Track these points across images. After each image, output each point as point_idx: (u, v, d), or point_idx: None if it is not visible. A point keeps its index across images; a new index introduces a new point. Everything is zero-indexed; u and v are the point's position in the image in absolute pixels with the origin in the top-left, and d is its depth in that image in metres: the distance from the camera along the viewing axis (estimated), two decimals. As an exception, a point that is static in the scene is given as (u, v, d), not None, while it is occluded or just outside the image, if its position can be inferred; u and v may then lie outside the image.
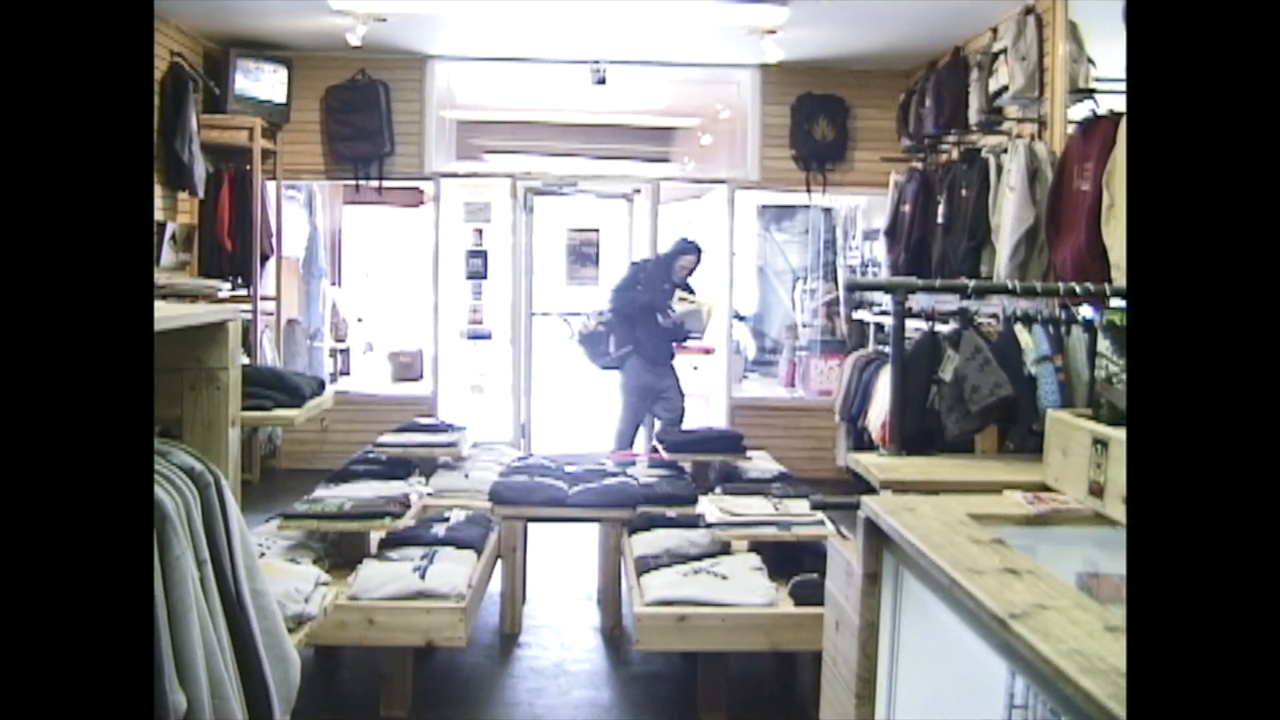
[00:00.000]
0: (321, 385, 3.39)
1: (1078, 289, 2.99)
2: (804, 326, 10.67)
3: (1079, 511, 2.51)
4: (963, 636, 2.05)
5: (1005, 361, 2.95)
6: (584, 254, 9.79)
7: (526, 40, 8.58)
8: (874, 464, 2.89)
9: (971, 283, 3.11)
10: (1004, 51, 6.75)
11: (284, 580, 3.57)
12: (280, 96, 8.94)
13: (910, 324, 3.25)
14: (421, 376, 10.14)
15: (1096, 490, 2.44)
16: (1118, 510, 2.36)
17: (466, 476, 6.42)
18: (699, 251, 8.01)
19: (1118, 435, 2.37)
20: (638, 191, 9.48)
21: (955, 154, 7.63)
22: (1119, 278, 5.06)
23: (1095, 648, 1.61)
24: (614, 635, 5.60)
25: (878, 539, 2.59)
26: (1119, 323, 2.60)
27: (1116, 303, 3.01)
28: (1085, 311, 3.24)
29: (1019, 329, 3.02)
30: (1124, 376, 2.57)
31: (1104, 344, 2.65)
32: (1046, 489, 2.70)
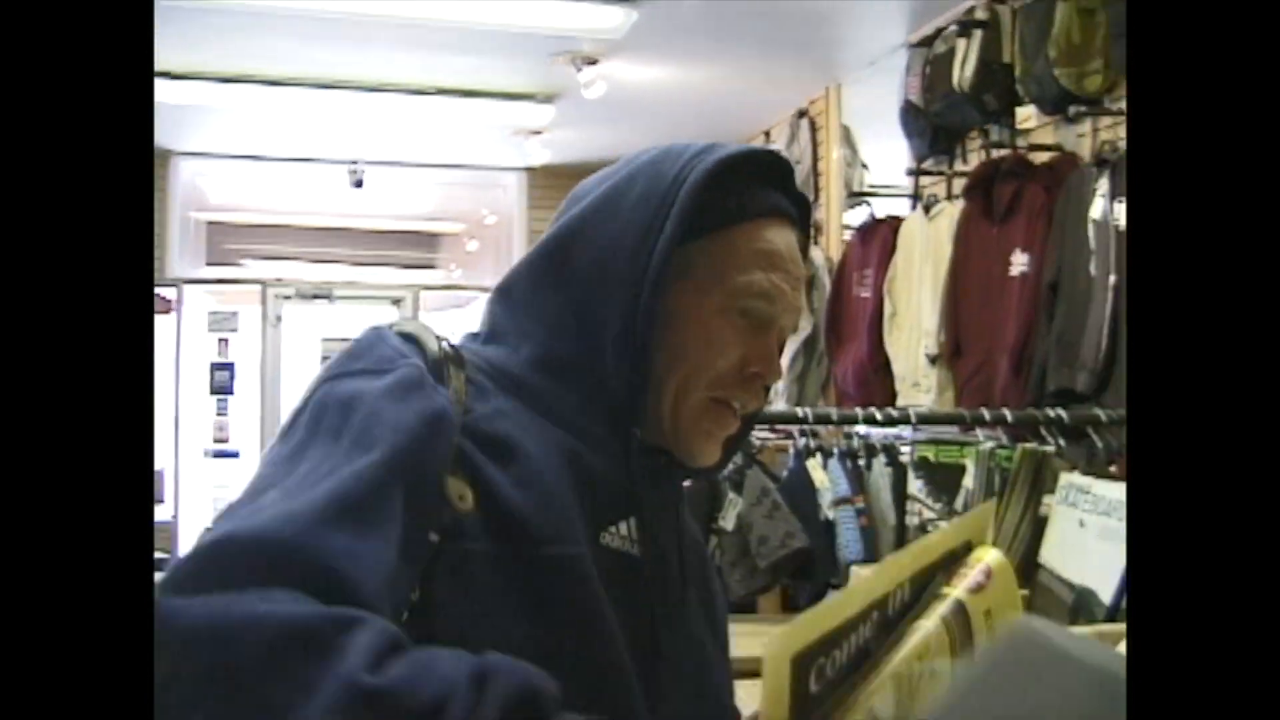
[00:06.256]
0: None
1: (879, 415, 2.58)
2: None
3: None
4: None
5: (797, 505, 2.51)
6: (342, 366, 9.14)
7: (279, 138, 8.00)
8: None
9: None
10: (777, 155, 6.53)
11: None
12: None
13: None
14: (162, 499, 9.29)
15: (916, 670, 1.98)
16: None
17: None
18: None
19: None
20: (400, 301, 8.93)
21: (730, 260, 7.35)
22: (903, 390, 4.77)
23: None
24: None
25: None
26: (933, 459, 2.18)
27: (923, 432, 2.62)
28: (858, 429, 2.83)
29: (812, 465, 2.59)
30: (941, 524, 2.14)
31: (916, 485, 2.23)
32: (852, 663, 2.23)
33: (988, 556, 0.99)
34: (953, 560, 0.99)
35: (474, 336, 1.20)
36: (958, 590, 0.95)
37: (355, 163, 8.55)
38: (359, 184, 8.64)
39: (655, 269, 1.09)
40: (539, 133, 7.44)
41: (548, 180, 8.71)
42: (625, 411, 1.11)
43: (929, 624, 0.93)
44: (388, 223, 9.83)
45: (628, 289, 1.09)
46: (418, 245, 10.11)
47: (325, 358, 9.06)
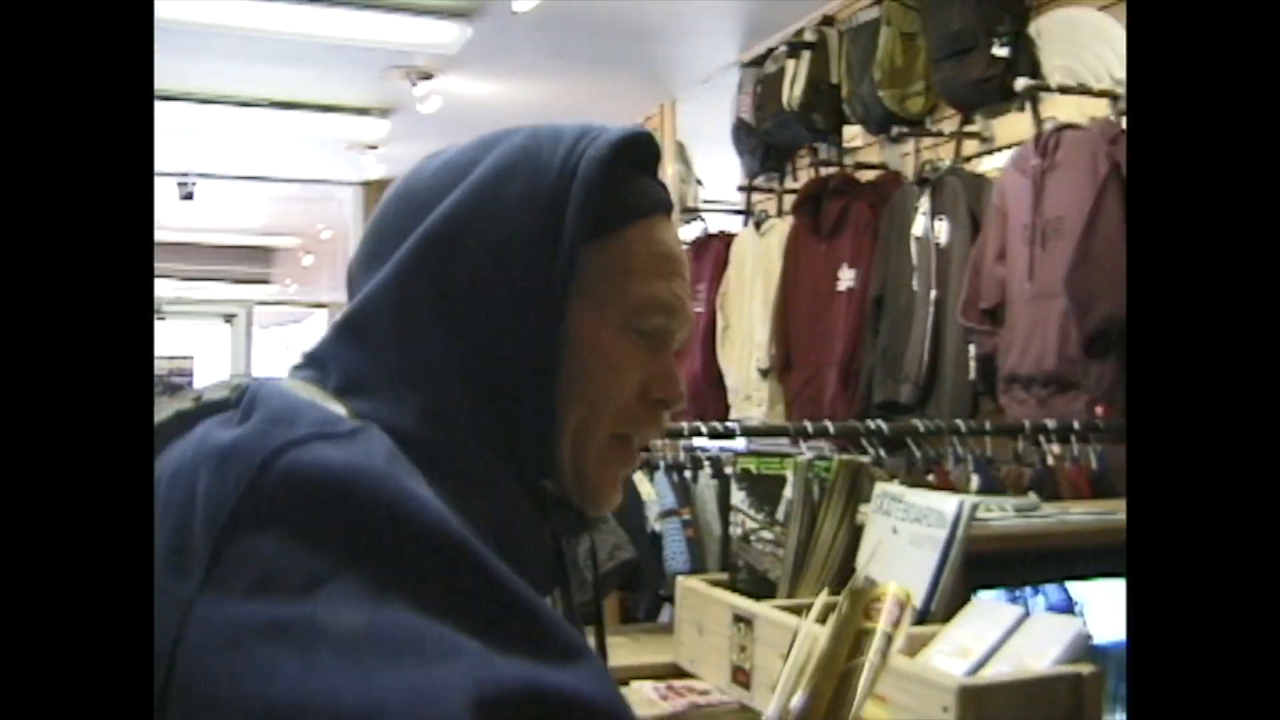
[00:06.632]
0: None
1: (703, 428, 2.64)
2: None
3: (722, 705, 2.07)
4: None
5: (625, 518, 2.54)
6: (172, 386, 8.88)
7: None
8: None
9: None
10: (614, 171, 6.58)
11: None
12: None
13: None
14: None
15: (741, 679, 2.02)
16: (765, 701, 1.94)
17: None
18: None
19: (763, 612, 1.95)
20: (233, 317, 8.74)
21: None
22: (736, 403, 4.84)
23: None
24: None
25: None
26: (754, 471, 2.23)
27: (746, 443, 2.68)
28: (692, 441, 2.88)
29: (639, 478, 2.63)
30: (763, 534, 2.19)
31: (738, 496, 2.27)
32: (681, 673, 2.26)
33: (892, 590, 1.09)
34: (855, 595, 1.10)
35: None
36: (882, 624, 1.06)
37: (185, 175, 8.33)
38: (189, 197, 8.42)
39: (560, 282, 0.88)
40: (374, 147, 7.38)
41: (383, 195, 8.63)
42: (536, 462, 0.90)
43: (875, 658, 1.04)
44: (220, 237, 9.63)
45: (527, 310, 0.87)
46: (251, 260, 9.92)
47: (156, 376, 8.85)
